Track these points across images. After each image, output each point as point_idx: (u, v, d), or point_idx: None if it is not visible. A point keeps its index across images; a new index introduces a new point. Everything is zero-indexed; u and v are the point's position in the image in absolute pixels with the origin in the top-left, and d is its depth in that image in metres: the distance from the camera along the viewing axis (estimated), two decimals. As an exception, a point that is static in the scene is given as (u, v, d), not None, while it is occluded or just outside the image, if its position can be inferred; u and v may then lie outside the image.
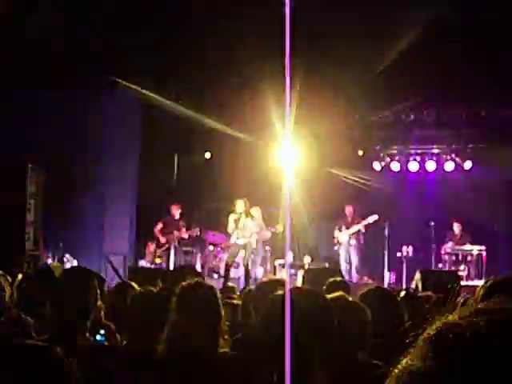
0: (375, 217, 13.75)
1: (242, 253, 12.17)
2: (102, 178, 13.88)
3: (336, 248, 14.23)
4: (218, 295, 3.33)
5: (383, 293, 3.88)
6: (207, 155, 15.39)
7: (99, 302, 3.33)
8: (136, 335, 3.44)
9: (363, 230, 14.05)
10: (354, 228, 13.95)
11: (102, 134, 13.85)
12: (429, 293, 6.12)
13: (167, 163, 15.49)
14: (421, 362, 0.87)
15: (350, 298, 3.30)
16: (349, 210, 14.18)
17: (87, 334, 3.00)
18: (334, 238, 14.25)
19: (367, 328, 3.00)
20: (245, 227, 11.97)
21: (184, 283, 3.37)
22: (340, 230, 14.13)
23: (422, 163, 14.54)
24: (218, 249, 14.10)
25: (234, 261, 12.19)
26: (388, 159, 14.68)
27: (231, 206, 12.34)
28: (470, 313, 0.92)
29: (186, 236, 13.61)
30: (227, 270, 12.03)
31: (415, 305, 4.60)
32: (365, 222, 13.90)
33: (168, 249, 13.45)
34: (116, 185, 14.02)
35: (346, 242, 14.02)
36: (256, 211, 13.28)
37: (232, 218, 12.17)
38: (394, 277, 13.75)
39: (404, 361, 0.93)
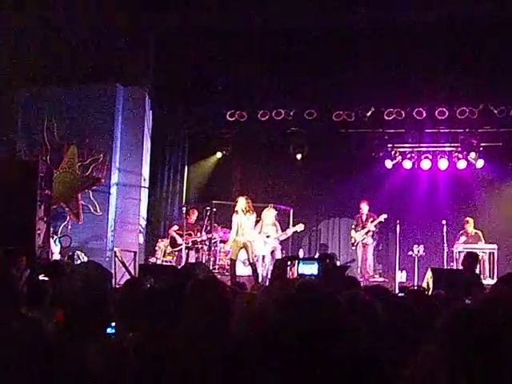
0: (384, 216, 13.89)
1: (243, 251, 12.17)
2: (113, 174, 13.92)
3: (354, 248, 14.37)
4: (228, 292, 3.35)
5: (380, 290, 3.91)
6: (219, 155, 15.40)
7: (110, 296, 3.35)
8: (146, 330, 3.46)
9: (373, 229, 14.10)
10: (367, 228, 14.01)
11: (114, 130, 13.89)
12: (440, 291, 6.11)
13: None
14: (439, 347, 0.90)
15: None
16: (363, 206, 14.26)
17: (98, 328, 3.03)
18: (351, 237, 14.37)
19: (380, 324, 3.02)
20: (243, 225, 11.95)
21: (195, 279, 3.38)
22: (356, 230, 14.23)
23: (434, 161, 14.47)
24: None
25: (236, 258, 12.20)
26: (400, 157, 14.62)
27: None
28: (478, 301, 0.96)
29: (204, 238, 13.71)
30: (232, 268, 12.04)
31: (425, 303, 4.60)
32: (375, 222, 13.98)
33: (181, 249, 13.57)
34: (127, 181, 14.05)
35: (361, 241, 14.14)
36: (268, 212, 13.28)
37: (234, 215, 12.19)
38: (406, 276, 13.72)
39: (421, 351, 0.98)
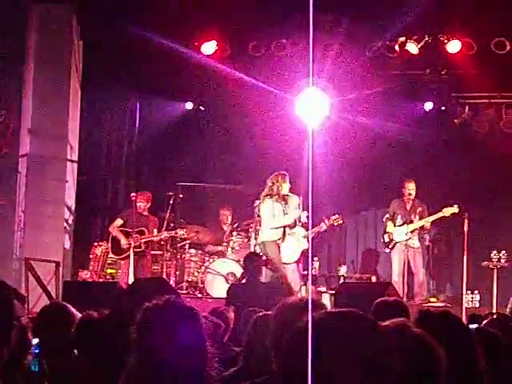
0: (454, 209, 13.72)
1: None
2: (23, 141, 13.85)
3: (387, 251, 14.26)
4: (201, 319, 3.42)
5: (450, 320, 3.92)
6: (188, 105, 15.36)
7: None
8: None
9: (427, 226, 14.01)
10: (418, 223, 13.91)
11: (23, 72, 13.80)
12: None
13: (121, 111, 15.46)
14: None
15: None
16: (409, 186, 14.19)
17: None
18: (385, 233, 14.25)
19: (440, 368, 3.04)
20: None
21: (149, 304, 3.39)
22: (394, 221, 14.13)
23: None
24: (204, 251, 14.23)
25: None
26: (470, 113, 14.61)
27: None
28: None
29: (165, 236, 13.77)
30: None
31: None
32: (436, 217, 13.91)
33: (128, 255, 13.45)
34: (44, 152, 13.96)
35: (404, 242, 14.04)
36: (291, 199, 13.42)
37: (267, 200, 12.36)
38: (479, 298, 13.76)
39: None
